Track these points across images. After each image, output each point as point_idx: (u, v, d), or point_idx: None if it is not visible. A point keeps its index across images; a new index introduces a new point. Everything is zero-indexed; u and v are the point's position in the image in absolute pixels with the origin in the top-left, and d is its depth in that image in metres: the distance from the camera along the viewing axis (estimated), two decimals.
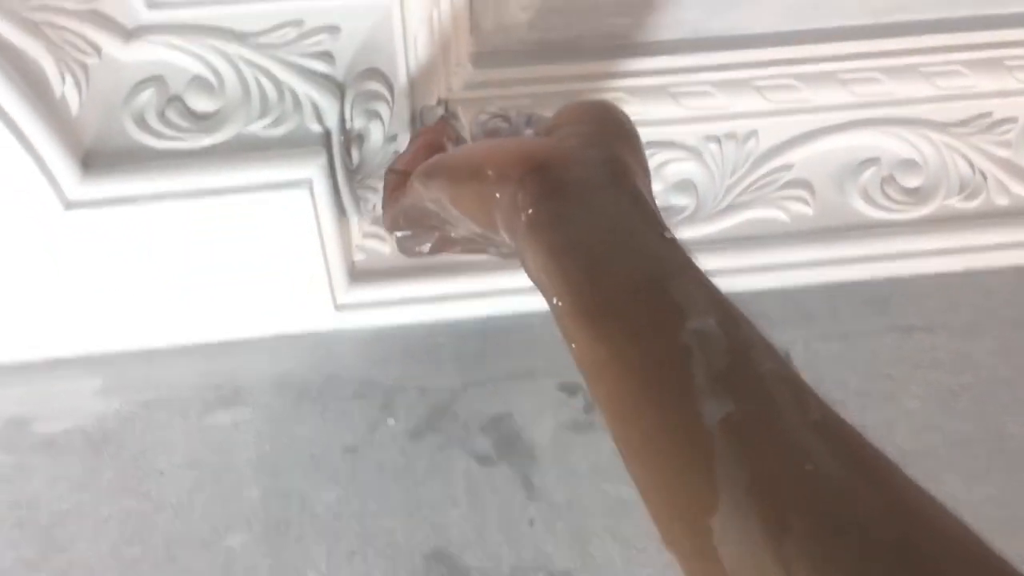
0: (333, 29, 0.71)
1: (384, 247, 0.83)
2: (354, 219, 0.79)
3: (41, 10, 0.63)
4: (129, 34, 0.69)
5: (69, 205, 0.68)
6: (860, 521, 0.33)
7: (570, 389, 0.81)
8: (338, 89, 0.72)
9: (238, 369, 0.80)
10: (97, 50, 0.67)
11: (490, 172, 0.49)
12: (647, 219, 0.46)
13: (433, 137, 0.67)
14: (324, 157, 0.70)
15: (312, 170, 0.70)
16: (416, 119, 0.77)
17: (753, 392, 0.38)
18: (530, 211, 0.46)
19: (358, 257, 0.82)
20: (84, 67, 0.67)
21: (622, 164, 0.48)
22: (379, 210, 0.80)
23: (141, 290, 0.75)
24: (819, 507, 0.33)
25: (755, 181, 0.86)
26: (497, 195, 0.49)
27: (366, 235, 0.82)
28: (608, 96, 0.84)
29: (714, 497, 0.35)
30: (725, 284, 0.81)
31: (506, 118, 0.67)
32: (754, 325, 0.42)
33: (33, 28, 0.62)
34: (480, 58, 0.82)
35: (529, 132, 0.63)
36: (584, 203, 0.46)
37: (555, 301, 0.44)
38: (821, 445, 0.36)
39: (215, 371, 0.80)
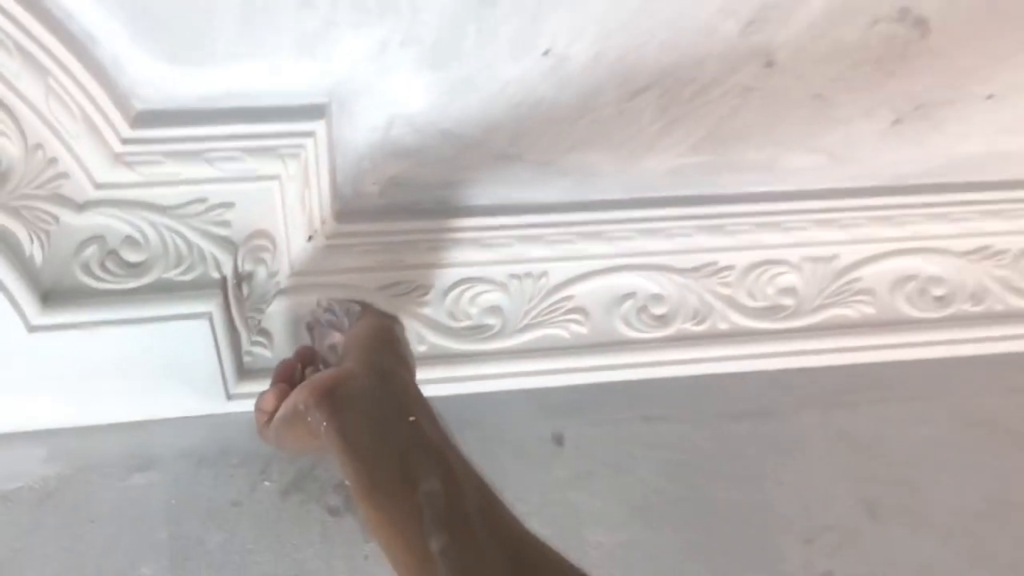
0: (229, 204, 1.00)
1: (266, 352, 1.12)
2: (244, 333, 1.07)
3: (20, 198, 0.90)
4: (80, 207, 0.97)
5: (32, 329, 0.95)
6: None
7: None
8: (232, 246, 1.00)
9: (152, 442, 1.08)
10: (56, 219, 0.95)
11: (301, 407, 0.73)
12: (400, 410, 0.70)
13: (286, 373, 0.89)
14: (220, 296, 0.99)
15: (211, 305, 0.98)
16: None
17: (460, 528, 0.60)
18: (324, 425, 0.70)
19: (246, 359, 1.11)
20: (47, 232, 0.94)
21: (388, 372, 0.75)
22: (262, 324, 1.09)
23: (82, 384, 1.02)
24: None
25: (546, 308, 1.17)
26: (308, 419, 0.72)
27: (253, 343, 1.11)
28: (439, 241, 1.15)
29: None
30: (523, 383, 1.12)
31: (331, 310, 0.97)
32: (471, 469, 0.68)
33: (14, 211, 0.90)
34: (342, 215, 1.12)
35: (346, 321, 0.94)
36: (357, 410, 0.70)
37: (346, 482, 0.67)
38: (504, 562, 0.59)
39: (135, 443, 1.07)
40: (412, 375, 0.79)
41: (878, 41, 1.00)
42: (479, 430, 1.09)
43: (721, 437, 1.14)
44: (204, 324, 0.99)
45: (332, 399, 0.71)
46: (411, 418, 0.69)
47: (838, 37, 0.99)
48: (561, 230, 1.15)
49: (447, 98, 0.99)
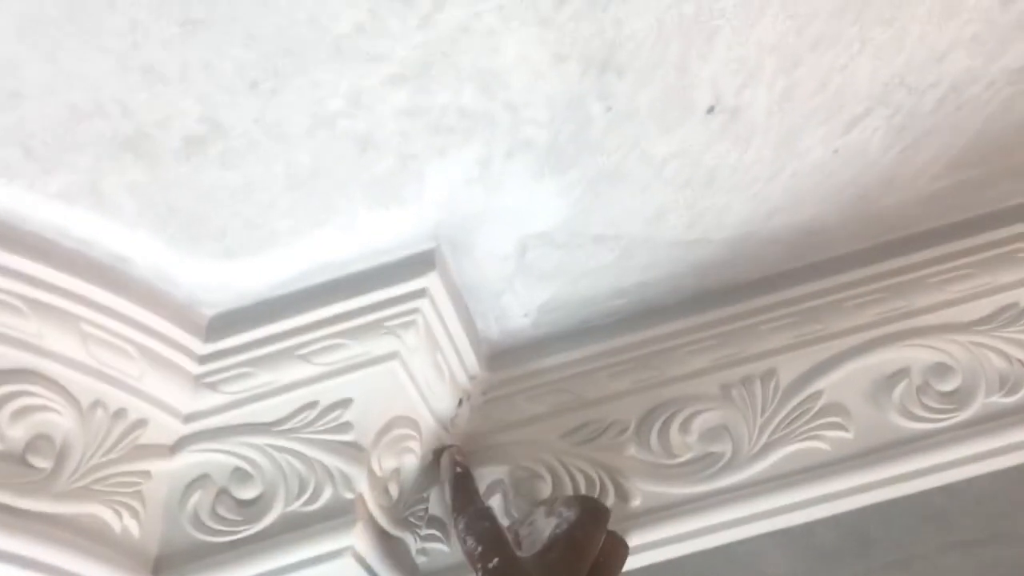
0: (346, 402, 0.77)
1: (442, 544, 0.88)
2: (409, 539, 0.84)
3: (90, 472, 0.71)
4: (171, 449, 0.77)
5: None
6: None
7: None
8: (361, 452, 0.77)
9: None
10: (147, 475, 0.76)
11: None
12: None
13: None
14: (361, 522, 0.76)
15: (352, 536, 0.76)
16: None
17: None
18: None
19: (421, 561, 0.88)
20: (138, 494, 0.75)
21: None
22: (431, 512, 0.86)
23: None
24: None
25: (787, 416, 0.87)
26: None
27: (424, 539, 0.88)
28: (624, 362, 0.87)
29: None
30: (776, 523, 0.83)
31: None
32: None
33: (83, 493, 0.71)
34: (494, 363, 0.87)
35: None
36: None
37: None
38: None
39: None
40: None
41: None
42: None
43: None
44: (350, 563, 0.76)
45: None
46: None
47: None
48: (781, 312, 0.86)
49: (588, 199, 0.73)
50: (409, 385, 0.80)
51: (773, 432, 0.87)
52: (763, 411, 0.87)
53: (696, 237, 0.79)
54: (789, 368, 0.87)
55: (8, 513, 0.65)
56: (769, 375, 0.87)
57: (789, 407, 0.87)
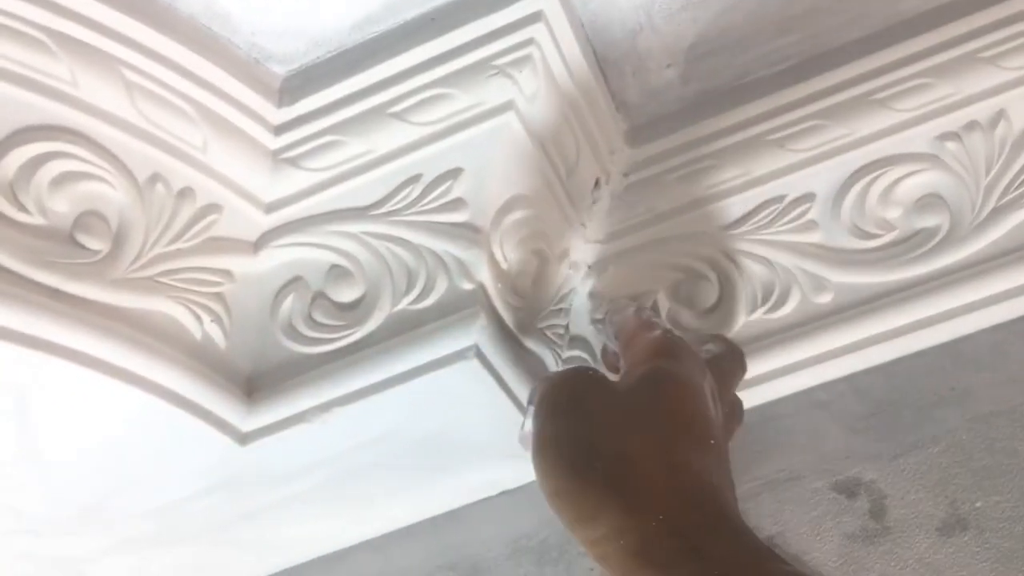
0: (455, 172, 0.63)
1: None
2: (547, 356, 0.69)
3: (156, 262, 0.59)
4: (255, 246, 0.64)
5: (244, 439, 0.64)
6: None
7: (848, 489, 0.67)
8: (478, 234, 0.63)
9: (466, 540, 0.74)
10: (228, 274, 0.63)
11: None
12: None
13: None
14: (485, 315, 0.62)
15: (475, 334, 0.61)
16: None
17: None
18: None
19: None
20: (220, 297, 0.63)
21: None
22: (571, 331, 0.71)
23: (342, 490, 0.71)
24: None
25: (1021, 171, 0.67)
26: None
27: (566, 362, 0.73)
28: (803, 119, 0.69)
29: None
30: (1016, 307, 0.64)
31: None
32: None
33: (150, 286, 0.59)
34: (636, 135, 0.70)
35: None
36: None
37: None
38: None
39: (442, 546, 0.74)
40: None
41: None
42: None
43: None
44: (473, 366, 0.62)
45: None
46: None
47: None
48: (1011, 31, 0.65)
49: None
50: (531, 149, 0.64)
51: (1004, 194, 0.67)
52: (989, 168, 0.67)
53: None
54: (1023, 108, 0.67)
55: (53, 297, 0.54)
56: (995, 120, 0.67)
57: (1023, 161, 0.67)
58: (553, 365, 0.70)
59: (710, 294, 0.71)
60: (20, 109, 0.54)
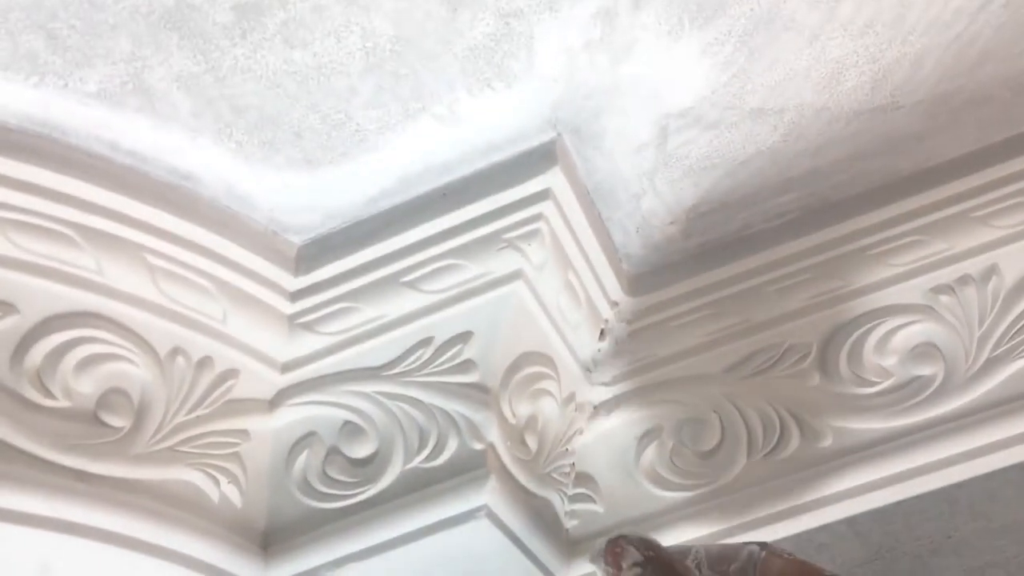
0: (465, 336, 0.65)
1: (595, 505, 0.75)
2: (554, 498, 0.72)
3: (171, 434, 0.61)
4: (271, 404, 0.67)
5: None
6: None
7: None
8: (487, 394, 0.65)
9: None
10: (244, 434, 0.66)
11: None
12: None
13: None
14: (494, 475, 0.64)
15: (484, 494, 0.64)
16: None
17: None
18: None
19: (571, 525, 0.75)
20: (236, 457, 0.65)
21: None
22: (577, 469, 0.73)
23: None
24: None
25: (1013, 323, 0.69)
26: None
27: (573, 500, 0.75)
28: (799, 271, 0.72)
29: None
30: (1010, 456, 0.66)
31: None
32: None
33: (169, 456, 0.61)
34: (639, 284, 0.73)
35: None
36: None
37: None
38: None
39: None
40: None
41: None
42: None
43: None
44: (485, 525, 0.64)
45: None
46: None
47: None
48: (999, 193, 0.69)
49: (741, 60, 0.58)
50: (538, 312, 0.67)
51: (997, 345, 0.70)
52: (982, 320, 0.70)
53: (882, 102, 0.63)
54: (1014, 263, 0.69)
55: (79, 479, 0.56)
56: (987, 274, 0.69)
57: (1016, 312, 0.69)
58: (559, 504, 0.72)
59: (712, 436, 0.73)
60: (48, 299, 0.56)
